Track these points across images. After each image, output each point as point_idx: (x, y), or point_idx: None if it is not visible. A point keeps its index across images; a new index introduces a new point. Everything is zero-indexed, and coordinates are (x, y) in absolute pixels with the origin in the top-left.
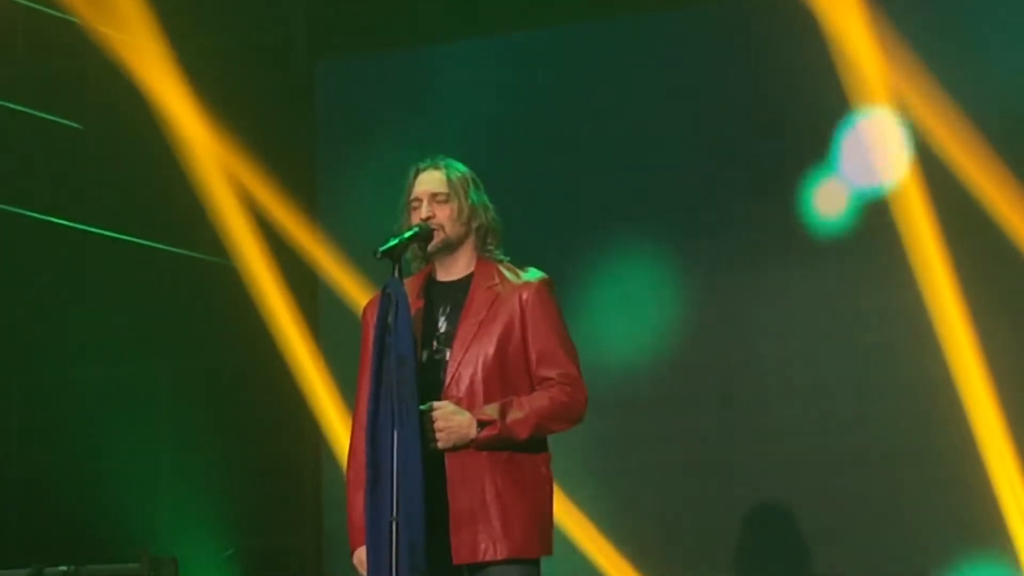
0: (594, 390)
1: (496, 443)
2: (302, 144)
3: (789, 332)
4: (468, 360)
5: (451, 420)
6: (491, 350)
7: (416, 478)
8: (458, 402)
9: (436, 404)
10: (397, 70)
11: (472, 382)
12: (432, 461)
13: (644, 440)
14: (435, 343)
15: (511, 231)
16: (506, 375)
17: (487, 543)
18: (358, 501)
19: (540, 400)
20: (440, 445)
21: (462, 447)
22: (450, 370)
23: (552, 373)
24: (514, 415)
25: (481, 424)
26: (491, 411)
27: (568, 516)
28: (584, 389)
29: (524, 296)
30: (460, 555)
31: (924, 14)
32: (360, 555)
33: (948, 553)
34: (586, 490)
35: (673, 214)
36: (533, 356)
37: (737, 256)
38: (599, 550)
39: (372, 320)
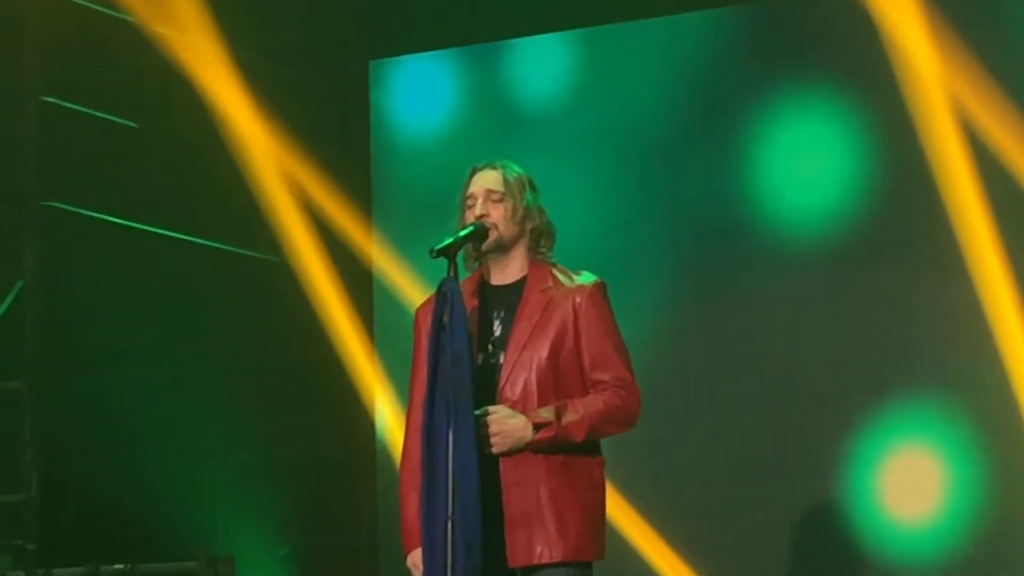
0: (646, 390)
1: (552, 445)
2: (357, 143)
3: (839, 331)
4: (522, 364)
5: (506, 424)
6: (544, 354)
7: (472, 477)
8: (512, 406)
9: (491, 408)
10: (452, 69)
11: (526, 386)
12: (487, 462)
13: (698, 439)
14: (489, 346)
15: (566, 231)
16: (559, 379)
17: (542, 546)
18: (412, 503)
19: (595, 403)
20: (495, 450)
21: (517, 450)
22: (504, 373)
23: (606, 377)
24: (569, 417)
25: (537, 426)
26: (546, 413)
27: (624, 516)
28: (637, 393)
29: (577, 300)
30: (515, 557)
31: (980, 12)
32: (414, 558)
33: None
34: (641, 491)
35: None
36: (587, 360)
37: (789, 253)
38: (655, 551)
39: (424, 324)
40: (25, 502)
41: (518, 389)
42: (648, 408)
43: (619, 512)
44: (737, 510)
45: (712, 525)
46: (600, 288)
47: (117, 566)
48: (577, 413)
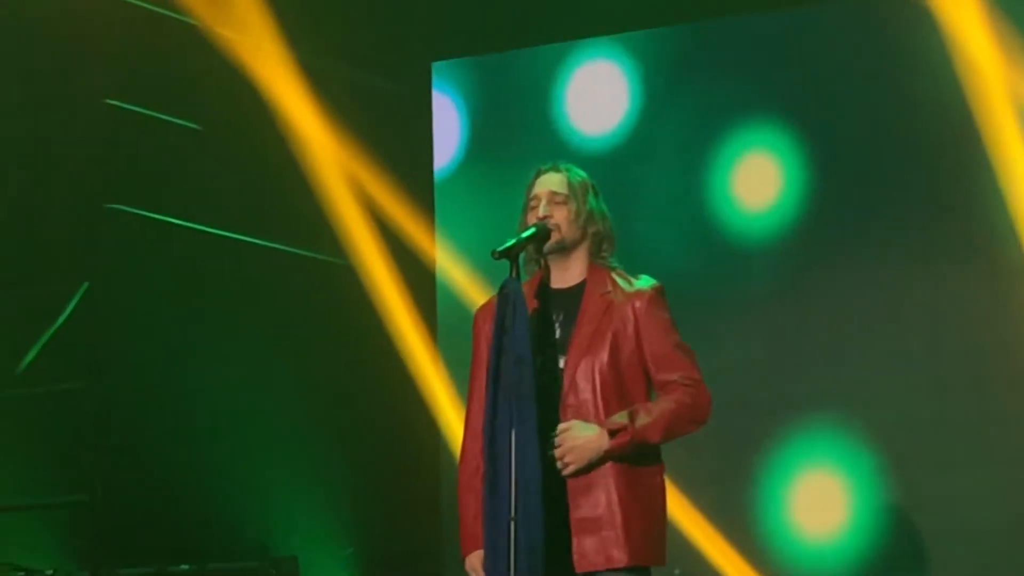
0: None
1: (629, 449)
2: (420, 144)
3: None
4: (584, 368)
5: (577, 439)
6: (605, 358)
7: (535, 478)
8: (575, 411)
9: (561, 427)
10: (515, 71)
11: (589, 391)
12: (551, 467)
13: (760, 441)
14: (550, 350)
15: (628, 233)
16: (622, 383)
17: (609, 551)
18: (470, 504)
19: (666, 404)
20: (573, 468)
21: (597, 461)
22: (566, 378)
23: (673, 376)
24: (642, 420)
25: (612, 433)
26: (620, 419)
27: (687, 518)
28: (707, 390)
29: (637, 304)
30: (582, 563)
31: None
32: (472, 561)
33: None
34: (705, 492)
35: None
36: (650, 362)
37: (865, 252)
38: (719, 552)
39: (483, 327)
40: (90, 503)
41: (580, 395)
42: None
43: (681, 513)
44: (801, 511)
45: (775, 526)
46: (658, 292)
47: (183, 566)
48: (650, 415)
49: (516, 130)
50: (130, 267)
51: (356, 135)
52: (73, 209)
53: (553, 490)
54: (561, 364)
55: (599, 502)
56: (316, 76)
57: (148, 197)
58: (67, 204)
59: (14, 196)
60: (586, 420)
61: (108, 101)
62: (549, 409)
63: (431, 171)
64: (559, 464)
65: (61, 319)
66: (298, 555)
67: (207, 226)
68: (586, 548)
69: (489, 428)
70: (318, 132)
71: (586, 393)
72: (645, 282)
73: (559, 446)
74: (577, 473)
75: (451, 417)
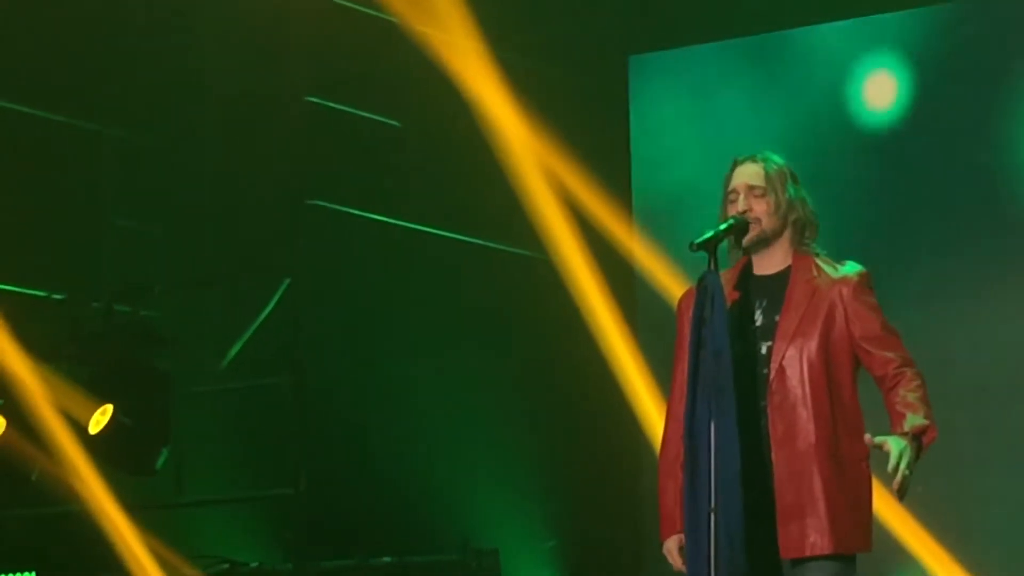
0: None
1: (931, 443)
2: (617, 137)
3: None
4: (792, 355)
5: (906, 458)
6: (814, 345)
7: (734, 469)
8: (782, 398)
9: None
10: (712, 63)
11: (797, 378)
12: (753, 454)
13: (962, 434)
14: (751, 337)
15: (827, 224)
16: (830, 370)
17: (815, 536)
18: (669, 491)
19: (916, 391)
20: (906, 482)
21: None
22: (773, 364)
23: (891, 355)
24: (923, 417)
25: (916, 436)
26: (915, 419)
27: (889, 510)
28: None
29: (843, 291)
30: (787, 549)
31: None
32: (669, 544)
33: None
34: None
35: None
36: (864, 344)
37: None
38: (922, 545)
39: (687, 312)
40: (294, 496)
41: (788, 382)
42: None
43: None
44: (1004, 504)
45: (977, 518)
46: (864, 278)
47: (385, 558)
48: (921, 399)
49: (712, 123)
50: (331, 263)
51: (553, 129)
52: (275, 206)
53: (758, 478)
54: (764, 351)
55: (803, 489)
56: (513, 71)
57: (348, 193)
58: (269, 201)
59: (216, 194)
60: (793, 407)
61: (308, 99)
62: (752, 397)
63: (628, 164)
64: (899, 489)
65: (264, 314)
66: (499, 548)
67: (406, 221)
68: (791, 535)
69: (688, 420)
70: (516, 127)
71: (793, 380)
72: (851, 268)
73: (896, 470)
74: (791, 465)
75: (650, 409)
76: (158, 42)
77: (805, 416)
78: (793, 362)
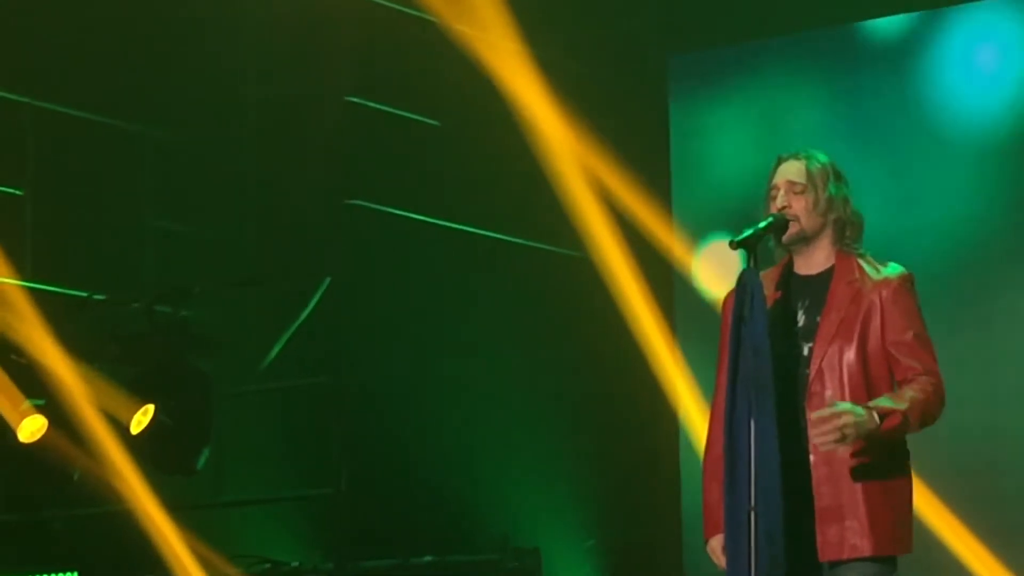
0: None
1: (895, 434)
2: (656, 137)
3: None
4: (831, 356)
5: (850, 416)
6: (853, 347)
7: (773, 469)
8: (821, 401)
9: (828, 410)
10: (752, 63)
11: (836, 380)
12: (793, 454)
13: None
14: (793, 337)
15: (872, 224)
16: (868, 374)
17: (854, 539)
18: (713, 490)
19: (917, 393)
20: (836, 440)
21: (863, 436)
22: (813, 365)
23: (914, 363)
24: (905, 406)
25: (881, 416)
26: (885, 403)
27: (932, 511)
28: (943, 383)
29: (884, 293)
30: (826, 552)
31: None
32: (714, 544)
33: None
34: (951, 485)
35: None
36: (892, 350)
37: None
38: (965, 546)
39: (731, 311)
40: (335, 496)
41: (829, 382)
42: (952, 399)
43: (926, 505)
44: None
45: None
46: (906, 280)
47: (426, 558)
48: (906, 401)
49: (752, 122)
50: (371, 262)
51: (593, 129)
52: (315, 205)
53: (797, 479)
54: (806, 352)
55: (843, 490)
56: (552, 71)
57: (388, 193)
58: (309, 200)
59: (257, 193)
60: None
61: (348, 99)
62: (793, 397)
63: (668, 163)
64: (825, 437)
65: (304, 314)
66: (540, 547)
67: (447, 221)
68: (829, 537)
69: (728, 419)
70: (555, 127)
71: (833, 382)
72: (893, 270)
73: (827, 420)
74: (830, 465)
75: (691, 408)
76: (197, 44)
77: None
78: (832, 364)
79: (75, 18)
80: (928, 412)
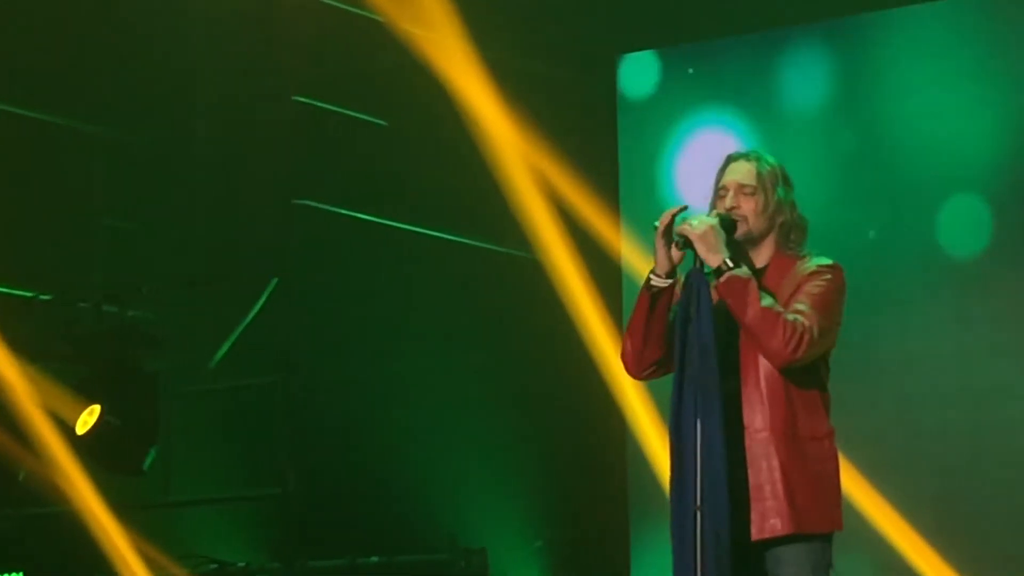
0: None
1: (727, 290)
2: (605, 136)
3: None
4: (753, 355)
5: (711, 236)
6: None
7: (720, 468)
8: (748, 402)
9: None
10: (702, 62)
11: (754, 362)
12: (736, 450)
13: (955, 432)
14: (736, 333)
15: (818, 223)
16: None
17: (774, 518)
18: None
19: (771, 302)
20: (687, 232)
21: (711, 271)
22: (742, 367)
23: (801, 307)
24: (746, 272)
25: (727, 264)
26: (739, 271)
27: (876, 508)
28: (806, 342)
29: (804, 278)
30: (753, 532)
31: None
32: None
33: None
34: (898, 483)
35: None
36: (791, 302)
37: None
38: (908, 542)
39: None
40: (282, 496)
41: (754, 378)
42: (904, 398)
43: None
44: (995, 504)
45: (968, 519)
46: (829, 268)
47: (373, 558)
48: (774, 307)
49: (701, 122)
50: (319, 262)
51: (541, 129)
52: (263, 205)
53: (740, 472)
54: (739, 347)
55: (762, 472)
56: (501, 70)
57: (336, 193)
58: (257, 200)
59: (205, 193)
60: (752, 392)
61: (296, 98)
62: (737, 392)
63: (616, 163)
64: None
65: (252, 314)
66: (487, 547)
67: (394, 221)
68: (754, 518)
69: (675, 418)
70: (503, 126)
71: (751, 366)
72: (818, 260)
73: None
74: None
75: (638, 409)
76: (148, 44)
77: (758, 398)
78: (753, 363)
79: (26, 18)
80: (767, 324)
